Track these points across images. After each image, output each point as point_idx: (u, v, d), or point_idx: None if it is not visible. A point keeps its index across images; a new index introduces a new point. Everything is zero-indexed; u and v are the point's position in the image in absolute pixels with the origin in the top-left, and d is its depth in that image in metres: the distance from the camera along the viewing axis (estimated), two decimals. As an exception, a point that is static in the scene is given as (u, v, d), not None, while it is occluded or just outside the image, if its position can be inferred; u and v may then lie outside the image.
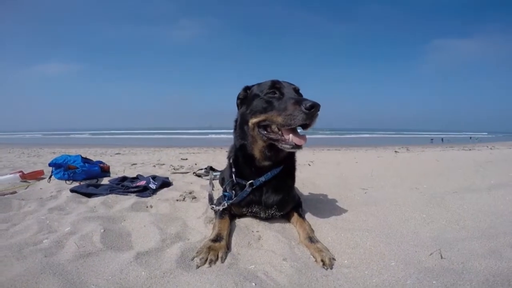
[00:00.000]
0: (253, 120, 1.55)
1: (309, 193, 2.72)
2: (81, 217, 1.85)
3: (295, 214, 1.76)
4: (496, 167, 3.93)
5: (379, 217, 1.78)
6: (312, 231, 1.59)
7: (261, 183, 1.67)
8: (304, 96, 1.61)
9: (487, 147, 14.26)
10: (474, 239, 1.44)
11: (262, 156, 1.64)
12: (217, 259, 1.30)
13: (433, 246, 1.38)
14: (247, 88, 1.74)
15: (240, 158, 1.72)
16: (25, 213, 2.04)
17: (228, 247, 1.44)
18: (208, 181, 3.12)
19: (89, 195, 2.47)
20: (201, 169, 4.14)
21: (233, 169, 1.75)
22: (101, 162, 3.83)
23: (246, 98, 1.70)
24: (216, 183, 3.02)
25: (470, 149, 11.93)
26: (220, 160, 6.60)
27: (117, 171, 4.42)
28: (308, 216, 1.87)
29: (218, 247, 1.36)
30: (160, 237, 1.53)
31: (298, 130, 1.52)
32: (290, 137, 1.44)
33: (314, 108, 1.35)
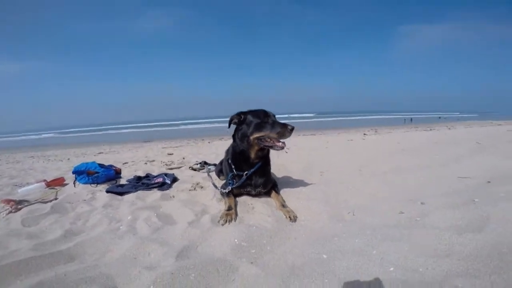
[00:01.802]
0: (255, 135, 2.48)
1: (283, 176, 3.79)
2: (132, 209, 2.61)
3: (273, 191, 2.79)
4: (433, 148, 5.12)
5: (325, 191, 2.83)
6: (284, 201, 2.63)
7: (252, 172, 2.66)
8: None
9: (447, 127, 16.14)
10: (378, 206, 2.34)
11: (255, 156, 2.64)
12: (231, 219, 2.28)
13: (352, 208, 2.37)
14: (241, 113, 2.59)
15: (240, 158, 2.68)
16: (85, 212, 2.61)
17: (236, 213, 2.41)
18: (205, 174, 4.01)
19: (121, 194, 3.21)
20: (196, 163, 4.80)
21: (233, 166, 2.71)
22: (113, 166, 4.53)
23: (242, 120, 2.57)
24: (213, 174, 3.87)
25: (430, 129, 13.64)
26: (206, 152, 7.21)
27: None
28: (281, 191, 2.89)
29: (231, 213, 2.35)
30: (193, 213, 2.44)
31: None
32: (280, 144, 2.46)
33: (293, 129, 2.43)
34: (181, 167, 5.02)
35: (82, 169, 3.98)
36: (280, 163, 4.72)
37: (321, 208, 2.40)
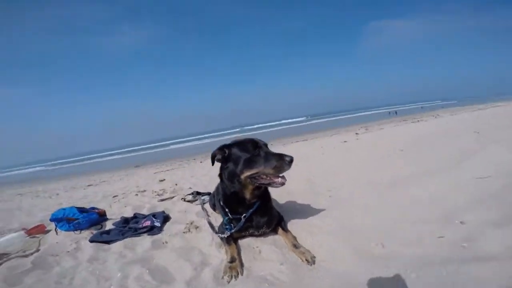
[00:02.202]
0: (246, 174, 2.08)
1: (286, 202, 3.40)
2: (121, 262, 2.28)
3: (280, 228, 2.42)
4: (433, 145, 4.88)
5: (340, 219, 2.47)
6: (295, 238, 2.26)
7: (251, 213, 2.28)
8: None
9: (433, 116, 16.23)
10: (406, 228, 2.08)
11: (252, 196, 2.25)
12: (237, 274, 1.91)
13: (377, 235, 2.04)
14: (225, 147, 2.20)
15: (233, 200, 2.28)
16: (70, 267, 2.35)
17: (241, 264, 2.05)
18: (199, 206, 3.63)
19: (108, 242, 2.84)
20: (188, 194, 4.43)
21: (227, 210, 2.32)
22: (94, 208, 4.10)
23: (227, 156, 2.19)
24: (208, 206, 3.51)
25: (418, 121, 13.61)
26: (199, 175, 6.88)
27: (102, 208, 4.56)
28: (290, 225, 2.53)
29: (236, 266, 1.97)
30: (191, 266, 2.08)
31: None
32: (279, 180, 2.09)
33: (292, 160, 2.02)
34: (173, 197, 4.71)
35: (60, 216, 3.56)
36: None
37: (341, 243, 2.07)
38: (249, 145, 2.15)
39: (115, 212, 4.13)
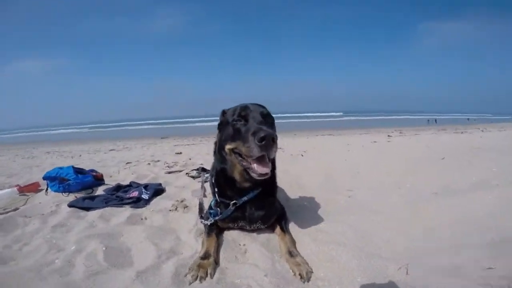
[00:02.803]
0: (228, 147, 1.65)
1: (295, 196, 2.85)
2: (83, 235, 1.98)
3: (278, 227, 1.89)
4: (481, 157, 4.04)
5: (357, 227, 1.91)
6: (293, 244, 1.74)
7: (245, 202, 1.78)
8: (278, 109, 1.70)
9: (479, 129, 14.51)
10: (444, 252, 1.55)
11: (243, 179, 1.74)
12: (206, 275, 1.46)
13: (403, 259, 1.49)
14: (223, 113, 1.81)
15: (222, 179, 1.82)
16: (31, 232, 2.15)
17: (216, 262, 1.59)
18: (200, 184, 3.26)
19: (87, 209, 2.58)
20: (194, 170, 4.23)
21: (216, 189, 1.86)
22: (93, 171, 3.90)
23: (222, 123, 1.79)
24: (208, 186, 3.13)
25: (462, 132, 12.15)
26: None
27: (111, 173, 4.55)
28: (292, 225, 2.01)
29: (207, 264, 1.51)
30: (156, 253, 1.69)
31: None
32: (255, 166, 1.51)
33: (265, 140, 1.40)
34: (181, 171, 4.50)
35: (53, 175, 3.37)
36: (292, 172, 3.83)
37: (352, 259, 1.52)
38: (236, 111, 1.66)
39: (120, 178, 4.01)
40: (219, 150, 1.79)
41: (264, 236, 1.89)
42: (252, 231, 1.93)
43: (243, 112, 1.64)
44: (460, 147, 5.71)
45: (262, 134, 1.39)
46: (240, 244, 1.80)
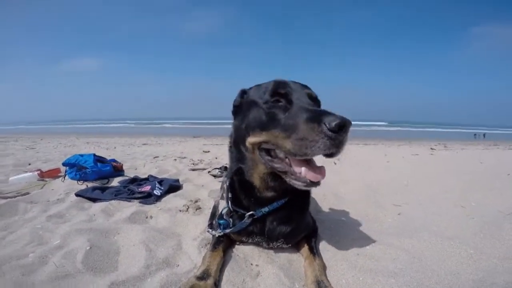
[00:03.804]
0: (252, 140, 1.19)
1: (330, 209, 2.36)
2: (74, 228, 1.72)
3: (306, 246, 1.43)
4: None
5: (413, 254, 1.41)
6: (323, 271, 1.28)
7: (265, 214, 1.35)
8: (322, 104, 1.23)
9: None
10: None
11: (264, 186, 1.30)
12: (199, 301, 1.06)
13: None
14: (243, 93, 1.37)
15: (237, 183, 1.39)
16: (26, 219, 1.98)
17: (216, 285, 1.19)
18: (220, 184, 2.95)
19: (94, 200, 2.38)
20: (216, 168, 3.98)
21: (230, 195, 1.44)
22: (114, 161, 3.77)
23: (241, 106, 1.35)
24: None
25: None
26: None
27: (137, 165, 4.49)
28: (323, 245, 1.55)
29: (203, 287, 1.12)
30: (144, 262, 1.35)
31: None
32: (303, 171, 1.06)
33: (344, 128, 0.93)
34: (205, 169, 4.31)
35: (73, 161, 3.27)
36: (327, 182, 3.31)
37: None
38: (267, 87, 1.20)
39: (143, 171, 3.90)
40: (235, 143, 1.35)
41: (285, 257, 1.45)
42: (270, 248, 1.50)
43: (281, 89, 1.17)
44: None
45: (338, 120, 0.91)
46: (252, 264, 1.38)
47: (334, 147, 0.94)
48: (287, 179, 1.11)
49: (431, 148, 9.73)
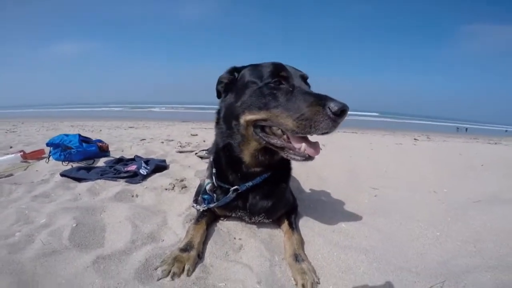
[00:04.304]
0: (248, 117, 1.24)
1: (311, 189, 2.46)
2: (60, 207, 1.74)
3: (286, 222, 1.52)
4: None
5: (385, 232, 1.52)
6: (301, 245, 1.37)
7: (248, 189, 1.42)
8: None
9: None
10: (488, 269, 1.20)
11: (253, 161, 1.37)
12: (182, 271, 1.14)
13: (437, 276, 1.15)
14: (234, 70, 1.40)
15: (224, 159, 1.44)
16: (11, 200, 1.97)
17: (200, 256, 1.26)
18: (207, 165, 2.99)
19: (79, 180, 2.38)
20: (203, 150, 4.01)
21: (214, 170, 1.49)
22: (100, 141, 3.73)
23: (233, 83, 1.37)
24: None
25: (496, 143, 11.00)
26: None
27: (123, 147, 4.45)
28: (302, 221, 1.64)
29: (186, 258, 1.19)
30: (130, 237, 1.40)
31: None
32: (303, 146, 1.15)
33: (344, 112, 1.05)
34: (192, 151, 4.30)
35: (57, 141, 3.21)
36: (311, 164, 3.42)
37: (375, 272, 1.16)
38: (267, 69, 1.25)
39: (129, 153, 3.88)
40: (226, 120, 1.37)
41: (266, 232, 1.54)
42: (253, 223, 1.58)
43: (282, 71, 1.24)
44: (498, 157, 5.02)
45: (339, 105, 1.04)
46: (235, 238, 1.46)
47: (333, 128, 1.07)
48: (285, 154, 1.20)
49: (415, 139, 10.01)
